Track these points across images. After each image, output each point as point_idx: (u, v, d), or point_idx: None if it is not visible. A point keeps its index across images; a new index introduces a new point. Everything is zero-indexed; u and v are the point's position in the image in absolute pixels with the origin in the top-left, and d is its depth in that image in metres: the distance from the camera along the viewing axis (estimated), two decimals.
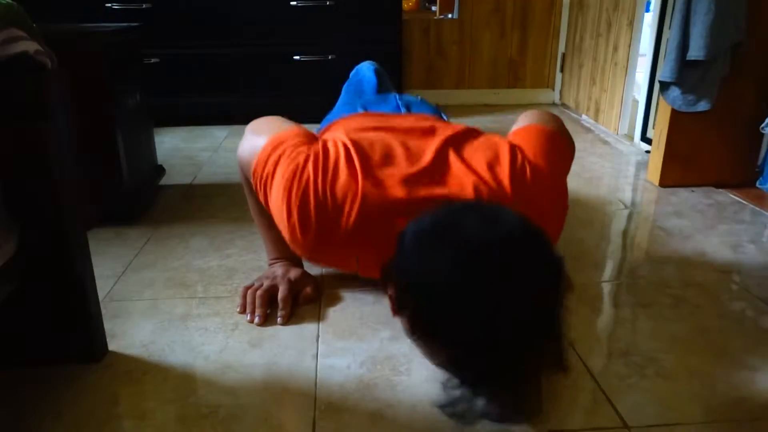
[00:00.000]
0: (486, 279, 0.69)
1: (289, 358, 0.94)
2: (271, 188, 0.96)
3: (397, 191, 0.91)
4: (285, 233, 0.95)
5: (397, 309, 0.81)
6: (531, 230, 0.75)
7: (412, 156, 0.97)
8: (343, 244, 0.93)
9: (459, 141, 1.01)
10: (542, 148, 1.00)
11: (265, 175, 0.97)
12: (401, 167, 0.95)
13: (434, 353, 0.79)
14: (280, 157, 0.96)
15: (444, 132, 1.03)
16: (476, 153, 0.98)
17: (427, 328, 0.76)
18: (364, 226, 0.91)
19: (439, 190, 0.92)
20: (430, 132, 1.04)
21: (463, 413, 0.75)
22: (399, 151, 0.97)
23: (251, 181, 1.01)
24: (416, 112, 1.26)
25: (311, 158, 0.94)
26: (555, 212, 1.00)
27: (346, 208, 0.91)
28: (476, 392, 0.74)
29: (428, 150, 0.99)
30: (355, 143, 0.97)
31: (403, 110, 1.27)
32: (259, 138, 1.01)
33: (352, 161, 0.94)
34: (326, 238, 0.92)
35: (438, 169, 0.96)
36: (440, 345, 0.76)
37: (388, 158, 0.97)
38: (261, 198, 1.00)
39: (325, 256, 0.99)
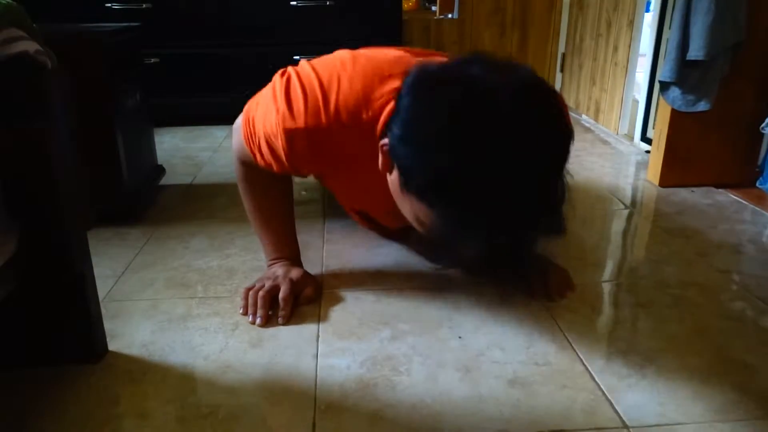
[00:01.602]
0: (489, 128, 0.64)
1: (289, 358, 0.94)
2: (257, 123, 0.95)
3: (390, 56, 0.88)
4: (279, 145, 0.91)
5: (391, 161, 0.75)
6: (544, 84, 0.70)
7: (405, 54, 0.94)
8: (340, 137, 0.88)
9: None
10: None
11: (251, 127, 0.97)
12: (395, 50, 0.92)
13: (426, 210, 0.73)
14: (258, 100, 0.97)
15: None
16: None
17: (421, 181, 0.71)
18: (357, 99, 0.85)
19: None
20: (428, 54, 1.03)
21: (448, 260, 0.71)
22: (391, 50, 0.95)
23: (250, 154, 1.01)
24: None
25: (290, 68, 0.93)
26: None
27: (335, 85, 0.87)
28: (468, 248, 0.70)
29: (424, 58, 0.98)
30: (341, 50, 0.96)
31: None
32: (239, 119, 1.04)
33: (337, 55, 0.92)
34: (320, 131, 0.87)
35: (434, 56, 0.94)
36: (433, 199, 0.71)
37: (376, 53, 0.93)
38: (258, 159, 0.99)
39: (325, 160, 0.94)
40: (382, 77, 0.86)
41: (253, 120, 0.98)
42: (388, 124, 0.79)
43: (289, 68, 0.96)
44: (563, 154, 0.69)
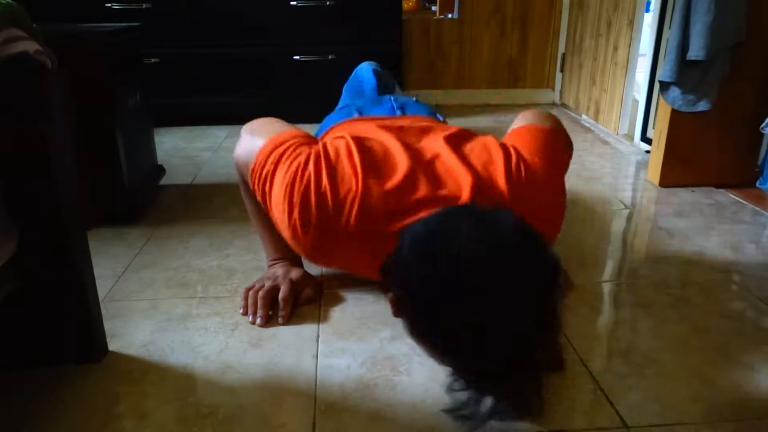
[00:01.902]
0: (480, 289, 0.70)
1: (289, 358, 0.94)
2: (271, 187, 0.96)
3: (397, 192, 0.91)
4: (286, 232, 0.95)
5: (397, 312, 0.82)
6: (526, 235, 0.75)
7: (411, 153, 0.97)
8: (343, 243, 0.93)
9: (456, 140, 1.02)
10: (537, 146, 1.00)
11: (264, 174, 0.96)
12: (401, 167, 0.95)
13: (435, 355, 0.80)
14: (280, 157, 0.96)
15: (440, 131, 1.04)
16: (472, 153, 0.99)
17: (425, 334, 0.78)
18: (364, 225, 0.91)
19: (438, 191, 0.92)
20: (426, 131, 1.06)
21: (470, 415, 0.76)
22: (398, 151, 0.98)
23: (249, 180, 1.01)
24: (411, 114, 1.26)
25: (312, 157, 0.94)
26: (552, 211, 1.00)
27: (347, 208, 0.91)
28: (479, 391, 0.75)
29: (426, 148, 0.99)
30: (355, 142, 0.97)
31: (397, 112, 1.27)
32: (256, 139, 1.01)
33: (354, 161, 0.94)
34: (326, 237, 0.92)
35: (437, 167, 0.96)
36: (440, 349, 0.78)
37: (387, 158, 0.97)
38: (259, 197, 1.00)
39: (325, 255, 0.99)
40: (392, 213, 0.90)
41: (266, 176, 0.96)
42: (388, 267, 0.84)
43: (310, 162, 0.94)
44: (550, 297, 0.74)
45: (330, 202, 0.91)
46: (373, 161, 0.95)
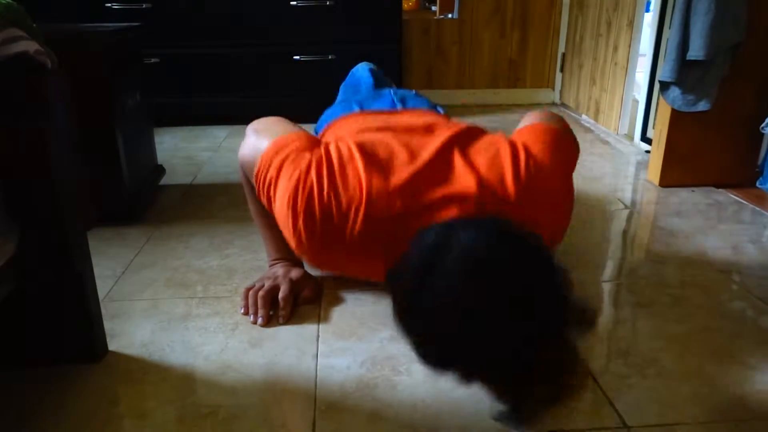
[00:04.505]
0: (485, 302, 0.69)
1: (289, 358, 0.94)
2: (275, 193, 0.95)
3: (402, 195, 0.90)
4: (290, 239, 0.95)
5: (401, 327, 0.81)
6: (531, 248, 0.74)
7: (415, 156, 0.96)
8: (348, 250, 0.92)
9: (461, 140, 1.01)
10: (546, 145, 0.99)
11: (268, 179, 0.96)
12: (405, 169, 0.94)
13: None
14: (283, 161, 0.95)
15: (445, 130, 1.03)
16: (479, 153, 0.97)
17: (427, 346, 0.77)
18: (369, 232, 0.90)
19: (443, 191, 0.91)
20: (430, 130, 1.04)
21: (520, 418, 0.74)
22: (402, 153, 0.97)
23: (253, 183, 1.01)
24: (411, 107, 1.25)
25: (314, 163, 0.93)
26: (560, 210, 0.99)
27: (351, 215, 0.90)
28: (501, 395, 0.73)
29: (431, 148, 0.98)
30: (358, 146, 0.96)
31: (398, 105, 1.26)
32: (261, 140, 1.01)
33: (356, 165, 0.93)
34: (332, 245, 0.92)
35: (441, 168, 0.95)
36: (445, 361, 0.76)
37: (391, 160, 0.96)
38: (264, 201, 0.99)
39: (329, 262, 0.98)
40: (398, 218, 0.89)
41: (269, 182, 0.96)
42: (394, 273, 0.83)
43: (312, 170, 0.93)
44: (556, 309, 0.72)
45: (334, 210, 0.90)
46: (377, 166, 0.94)
